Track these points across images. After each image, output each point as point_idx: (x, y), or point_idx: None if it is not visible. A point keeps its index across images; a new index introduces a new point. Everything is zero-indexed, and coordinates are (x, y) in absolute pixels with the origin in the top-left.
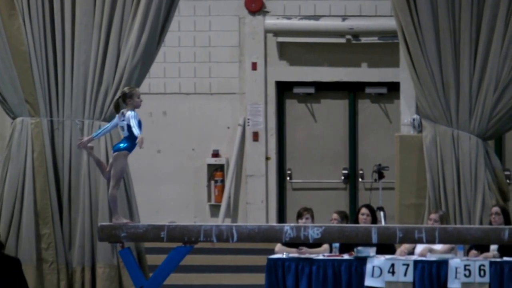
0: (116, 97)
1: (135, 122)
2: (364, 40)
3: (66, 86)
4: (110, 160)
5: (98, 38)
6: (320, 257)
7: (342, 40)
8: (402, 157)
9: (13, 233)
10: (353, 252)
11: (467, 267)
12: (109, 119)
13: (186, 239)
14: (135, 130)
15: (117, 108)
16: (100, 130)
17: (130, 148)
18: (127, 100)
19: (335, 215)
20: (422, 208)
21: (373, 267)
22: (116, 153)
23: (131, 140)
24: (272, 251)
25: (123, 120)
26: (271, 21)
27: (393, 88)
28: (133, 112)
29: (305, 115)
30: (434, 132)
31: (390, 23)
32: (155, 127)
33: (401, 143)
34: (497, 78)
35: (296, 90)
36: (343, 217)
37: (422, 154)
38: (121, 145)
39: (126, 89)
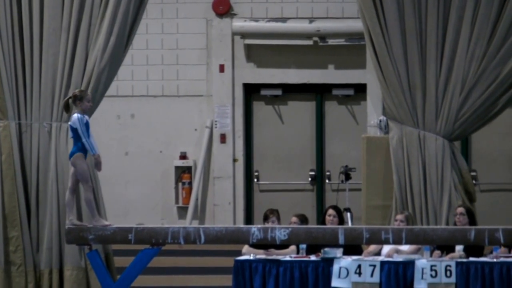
0: (66, 98)
1: (83, 128)
2: (331, 42)
3: (34, 89)
4: (71, 169)
5: (66, 41)
6: (287, 258)
7: (309, 42)
8: (369, 158)
9: None
10: (320, 253)
11: (433, 268)
12: None
13: (153, 241)
14: (87, 144)
15: (67, 109)
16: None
17: (81, 149)
18: (77, 102)
19: (294, 219)
20: (389, 209)
21: (340, 268)
22: (71, 159)
23: (78, 140)
24: (240, 253)
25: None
26: (238, 24)
27: (360, 89)
28: (79, 115)
29: (272, 117)
30: (401, 133)
31: (357, 25)
32: (123, 129)
33: (367, 145)
34: (463, 80)
35: (264, 92)
36: (303, 220)
37: (388, 155)
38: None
39: (77, 91)
